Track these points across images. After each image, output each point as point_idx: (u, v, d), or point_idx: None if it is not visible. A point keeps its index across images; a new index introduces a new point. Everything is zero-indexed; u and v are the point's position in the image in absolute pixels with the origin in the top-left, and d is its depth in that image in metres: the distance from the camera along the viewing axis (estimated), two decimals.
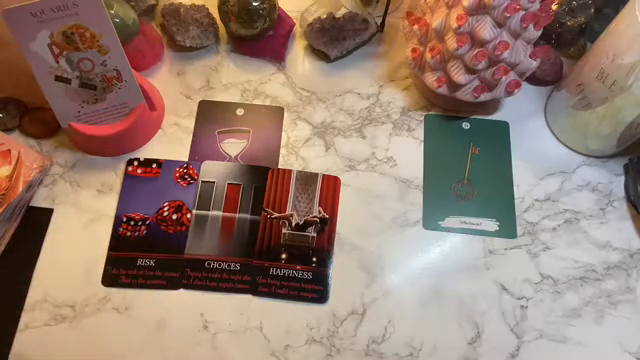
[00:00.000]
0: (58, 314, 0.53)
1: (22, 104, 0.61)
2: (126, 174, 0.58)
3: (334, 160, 0.62)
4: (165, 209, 0.56)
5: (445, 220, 0.59)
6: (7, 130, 0.61)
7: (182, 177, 0.58)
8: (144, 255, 0.55)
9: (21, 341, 0.51)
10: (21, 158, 0.56)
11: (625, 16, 0.52)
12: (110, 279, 0.54)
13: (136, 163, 0.59)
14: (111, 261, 0.55)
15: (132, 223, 0.56)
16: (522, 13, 0.53)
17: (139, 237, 0.56)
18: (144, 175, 0.58)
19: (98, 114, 0.57)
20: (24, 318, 0.52)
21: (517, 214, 0.59)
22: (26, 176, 0.55)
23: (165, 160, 0.60)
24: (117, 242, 0.56)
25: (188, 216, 0.56)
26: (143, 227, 0.56)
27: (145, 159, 0.59)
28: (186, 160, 0.61)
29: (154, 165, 0.59)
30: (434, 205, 0.60)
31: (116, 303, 0.53)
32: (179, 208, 0.57)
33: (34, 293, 0.53)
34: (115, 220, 0.57)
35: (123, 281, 0.54)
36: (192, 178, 0.58)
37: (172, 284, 0.54)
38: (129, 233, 0.56)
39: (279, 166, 0.61)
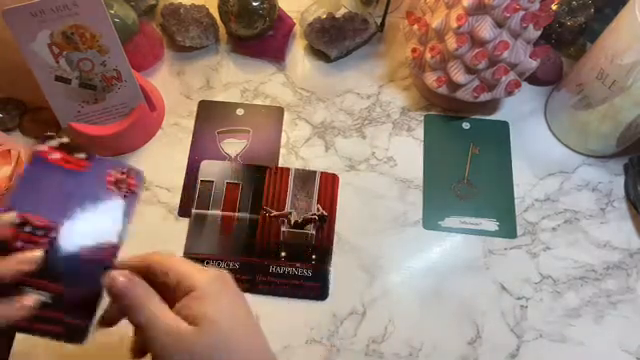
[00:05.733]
0: None
1: (22, 104, 0.61)
2: (35, 154, 0.36)
3: (334, 160, 0.62)
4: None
5: (445, 220, 0.59)
6: (7, 130, 0.61)
7: (116, 184, 0.39)
8: None
9: (21, 341, 0.51)
10: (21, 158, 0.56)
11: (625, 16, 0.52)
12: None
13: (55, 143, 0.37)
14: None
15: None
16: (522, 13, 0.53)
17: None
18: (61, 164, 0.37)
19: (98, 114, 0.57)
20: None
21: (517, 214, 0.59)
22: None
23: (98, 157, 0.39)
24: None
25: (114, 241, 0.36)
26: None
27: (72, 142, 0.38)
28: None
29: (81, 155, 0.38)
30: (434, 205, 0.60)
31: None
32: None
33: None
34: None
35: None
36: (129, 189, 0.39)
37: None
38: None
39: (279, 166, 0.61)
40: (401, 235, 0.58)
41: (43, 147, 0.37)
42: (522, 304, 0.55)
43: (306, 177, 0.60)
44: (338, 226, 0.58)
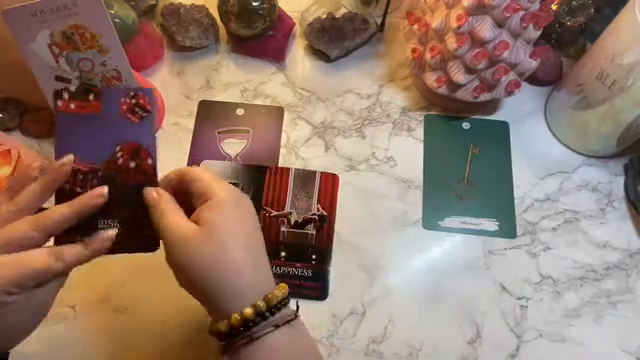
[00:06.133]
0: (58, 314, 0.53)
1: (22, 104, 0.61)
2: (57, 111, 0.41)
3: (334, 160, 0.62)
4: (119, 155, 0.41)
5: (445, 220, 0.59)
6: (7, 130, 0.61)
7: (131, 110, 0.42)
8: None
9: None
10: (21, 158, 0.56)
11: (625, 16, 0.52)
12: None
13: (66, 95, 0.41)
14: None
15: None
16: (522, 13, 0.53)
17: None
18: (80, 111, 0.41)
19: None
20: None
21: (517, 214, 0.59)
22: None
23: (104, 88, 0.45)
24: None
25: (149, 162, 0.41)
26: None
27: (77, 88, 0.42)
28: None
29: (91, 97, 0.41)
30: (434, 205, 0.60)
31: (116, 303, 0.53)
32: (136, 153, 0.41)
33: None
34: None
35: None
36: (144, 110, 0.42)
37: None
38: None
39: (279, 166, 0.61)
40: (401, 235, 0.58)
41: (60, 103, 0.41)
42: (522, 304, 0.55)
43: (306, 177, 0.60)
44: (338, 226, 0.58)
